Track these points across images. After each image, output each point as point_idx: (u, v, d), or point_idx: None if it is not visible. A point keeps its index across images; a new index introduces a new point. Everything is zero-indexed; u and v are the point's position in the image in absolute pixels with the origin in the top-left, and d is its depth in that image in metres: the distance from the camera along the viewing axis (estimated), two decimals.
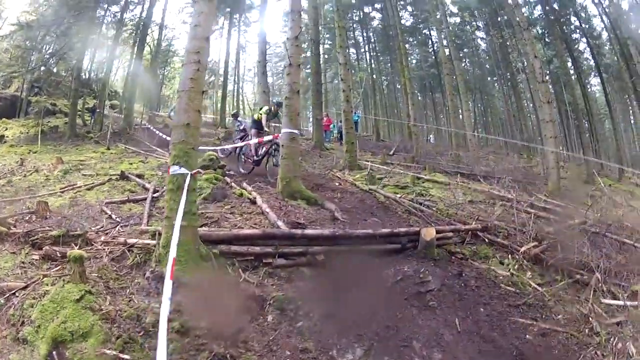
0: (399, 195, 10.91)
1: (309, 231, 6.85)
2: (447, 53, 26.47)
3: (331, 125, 28.04)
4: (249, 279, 5.63)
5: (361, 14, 35.47)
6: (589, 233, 7.71)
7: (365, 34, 36.70)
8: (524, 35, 17.48)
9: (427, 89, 36.20)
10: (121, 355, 3.80)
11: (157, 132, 19.97)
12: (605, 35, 24.16)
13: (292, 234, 6.57)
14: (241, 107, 38.46)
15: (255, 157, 12.91)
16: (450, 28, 28.09)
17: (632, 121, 25.41)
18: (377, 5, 34.04)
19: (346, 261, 6.45)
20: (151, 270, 5.28)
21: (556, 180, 14.29)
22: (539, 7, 26.12)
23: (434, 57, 32.71)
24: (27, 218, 7.20)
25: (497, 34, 28.52)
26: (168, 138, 7.10)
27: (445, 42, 27.03)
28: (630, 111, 25.29)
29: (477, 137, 25.96)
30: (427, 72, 34.52)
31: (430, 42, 33.64)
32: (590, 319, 5.32)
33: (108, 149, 17.47)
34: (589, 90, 26.17)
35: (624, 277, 6.33)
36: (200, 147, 13.98)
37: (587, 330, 5.19)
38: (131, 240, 5.96)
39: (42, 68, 23.46)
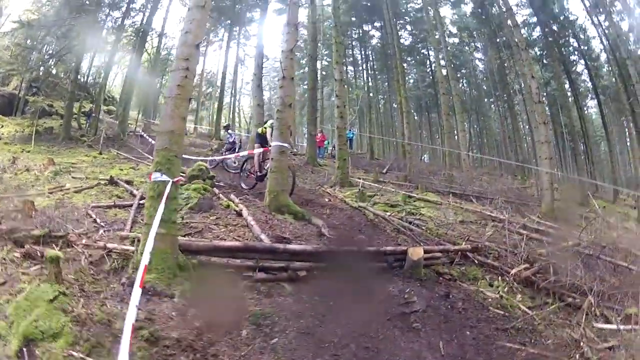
0: (388, 214, 10.71)
1: (291, 246, 6.67)
2: (445, 73, 26.54)
3: (325, 142, 28.00)
4: (226, 291, 5.49)
5: (360, 31, 35.67)
6: (583, 255, 7.53)
7: (363, 52, 36.97)
8: (522, 55, 17.48)
9: (424, 109, 36.38)
10: (87, 359, 3.68)
11: (151, 140, 19.93)
12: (603, 56, 24.42)
13: (274, 248, 6.38)
14: (237, 120, 38.49)
15: (258, 173, 12.36)
16: (448, 48, 28.23)
17: (628, 143, 25.44)
18: (377, 24, 34.22)
19: (329, 278, 6.22)
20: (127, 276, 5.15)
21: (550, 202, 14.12)
22: (538, 29, 26.29)
23: (431, 77, 32.91)
24: (12, 216, 7.05)
25: (495, 55, 28.61)
26: None
27: (443, 62, 27.10)
28: (627, 133, 25.35)
29: (471, 158, 25.93)
30: (424, 91, 34.71)
31: (428, 62, 33.91)
32: (582, 343, 5.07)
33: (100, 153, 17.48)
34: (586, 112, 26.29)
35: (617, 300, 6.13)
36: (190, 157, 14.08)
37: (577, 356, 4.93)
38: (111, 245, 5.83)
39: (42, 68, 23.63)
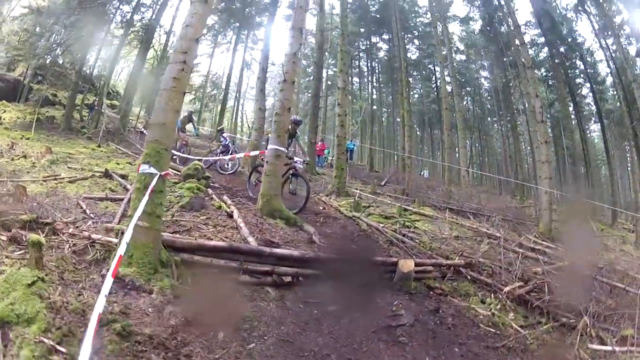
0: (382, 225, 10.51)
1: (277, 250, 6.47)
2: (450, 89, 26.49)
3: (325, 151, 27.87)
4: (207, 292, 5.35)
5: (368, 43, 35.67)
6: (579, 275, 7.32)
7: (370, 64, 36.94)
8: (527, 74, 17.39)
9: (427, 125, 36.36)
10: (57, 347, 3.57)
11: None
12: (609, 80, 24.28)
13: (260, 250, 6.20)
14: (239, 124, 38.39)
15: None
16: (455, 64, 28.21)
17: (629, 168, 25.36)
18: (385, 36, 34.25)
19: (314, 286, 6.08)
20: (107, 268, 4.93)
21: (548, 222, 13.96)
22: (545, 50, 26.26)
23: (436, 93, 32.90)
24: (4, 200, 7.08)
25: (501, 74, 28.58)
26: None
27: (448, 79, 27.08)
28: (628, 158, 25.29)
29: (470, 175, 25.81)
30: (427, 107, 34.71)
31: (434, 78, 33.93)
32: None
33: (99, 146, 17.34)
34: (589, 135, 26.23)
35: (613, 321, 5.96)
36: (188, 157, 13.93)
37: None
38: (95, 236, 5.71)
39: (48, 56, 23.40)
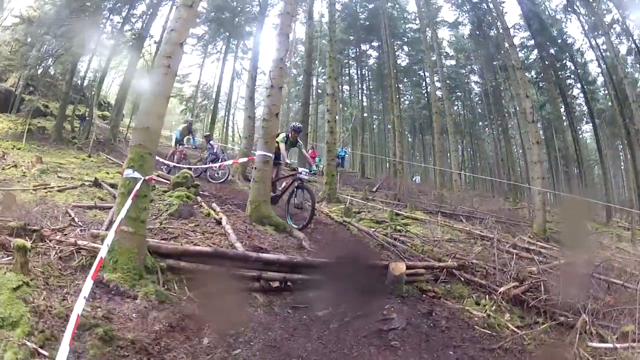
0: (373, 230, 10.37)
1: (264, 255, 6.33)
2: (440, 94, 26.53)
3: (316, 159, 27.75)
4: (193, 297, 5.20)
5: (358, 50, 35.74)
6: (576, 273, 7.18)
7: (360, 72, 37.02)
8: (517, 75, 17.40)
9: (417, 130, 36.43)
10: (40, 350, 3.57)
11: None
12: (600, 80, 24.39)
13: (246, 255, 6.05)
14: (230, 133, 38.27)
15: (272, 193, 10.56)
16: (444, 70, 28.27)
17: (622, 167, 25.43)
18: (375, 43, 34.33)
19: (303, 290, 5.98)
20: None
21: (542, 222, 13.87)
22: (535, 52, 26.35)
23: (426, 99, 32.98)
24: None
25: (491, 77, 28.65)
26: None
27: (438, 84, 27.11)
28: (621, 157, 25.36)
29: (462, 179, 25.79)
30: (418, 113, 34.83)
31: (424, 84, 34.01)
32: None
33: (89, 156, 17.36)
34: (581, 135, 26.31)
35: (613, 318, 5.81)
36: (177, 165, 13.76)
37: None
38: (81, 242, 5.59)
39: (39, 67, 23.60)
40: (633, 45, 20.29)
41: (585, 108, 25.52)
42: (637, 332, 5.17)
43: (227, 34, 32.97)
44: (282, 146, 10.51)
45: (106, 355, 3.79)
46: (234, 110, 39.31)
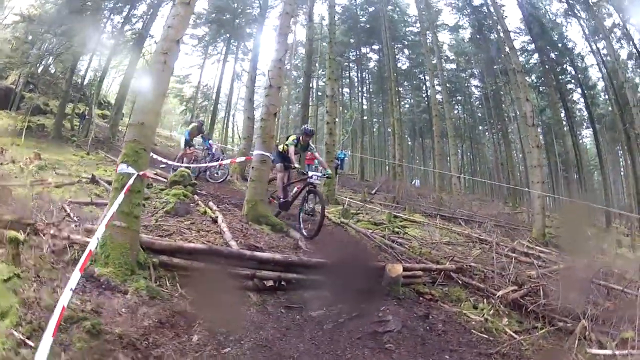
0: (370, 231, 10.32)
1: (258, 253, 6.26)
2: (440, 98, 26.49)
3: (315, 161, 27.64)
4: (185, 294, 5.16)
5: (358, 53, 35.67)
6: (576, 278, 7.08)
7: (360, 74, 36.92)
8: (517, 78, 17.37)
9: (417, 134, 36.34)
10: (26, 341, 3.54)
11: None
12: (600, 84, 24.34)
13: (241, 253, 6.00)
14: (230, 135, 38.21)
15: (282, 199, 10.18)
16: (445, 73, 28.23)
17: (622, 173, 25.37)
18: (375, 46, 34.26)
19: (297, 290, 5.91)
20: (85, 267, 4.74)
21: (541, 227, 13.84)
22: (535, 56, 26.29)
23: (426, 103, 32.87)
24: None
25: (491, 81, 28.61)
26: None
27: (439, 88, 27.07)
28: (621, 163, 25.31)
29: (462, 183, 25.75)
30: (418, 116, 34.74)
31: (424, 87, 33.90)
32: None
33: (88, 154, 17.41)
34: (581, 141, 26.25)
35: (612, 324, 5.69)
36: (175, 164, 13.64)
37: None
38: (74, 237, 5.54)
39: (39, 65, 23.61)
40: (634, 50, 20.24)
41: (585, 113, 25.50)
42: (636, 338, 5.09)
43: (228, 35, 32.86)
44: (292, 149, 9.84)
45: (93, 349, 3.73)
46: (234, 111, 39.15)
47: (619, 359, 4.78)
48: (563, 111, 25.29)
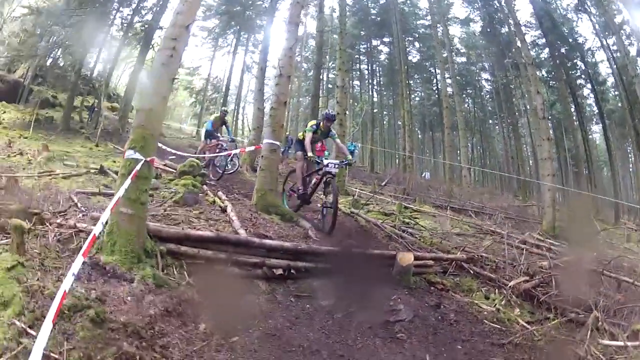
0: (381, 221, 10.24)
1: (267, 241, 6.16)
2: (450, 91, 26.38)
3: (325, 152, 27.61)
4: (193, 282, 5.04)
5: (369, 46, 35.56)
6: (587, 271, 7.00)
7: (370, 67, 36.84)
8: (528, 71, 17.21)
9: (427, 127, 36.27)
10: (28, 330, 3.47)
11: None
12: (611, 80, 24.20)
13: (249, 241, 5.89)
14: (240, 127, 38.24)
15: (301, 191, 9.66)
16: (455, 66, 28.12)
17: (631, 168, 25.24)
18: (386, 39, 34.13)
19: (307, 279, 5.81)
20: (90, 256, 4.75)
21: (551, 220, 13.74)
22: (546, 51, 26.14)
23: (437, 96, 32.79)
24: None
25: (502, 75, 28.46)
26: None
27: (449, 81, 26.95)
28: (631, 159, 25.18)
29: (472, 176, 25.64)
30: (428, 109, 34.67)
31: (434, 80, 33.80)
32: None
33: (97, 145, 17.32)
34: (590, 136, 26.10)
35: (623, 316, 5.66)
36: (184, 154, 13.58)
37: None
38: (80, 225, 5.51)
39: (48, 58, 23.70)
40: None
41: (595, 108, 25.44)
42: None
43: (238, 27, 32.87)
44: (308, 136, 9.30)
45: (96, 337, 3.67)
46: (243, 103, 39.22)
47: (630, 350, 4.73)
48: (573, 106, 25.17)
